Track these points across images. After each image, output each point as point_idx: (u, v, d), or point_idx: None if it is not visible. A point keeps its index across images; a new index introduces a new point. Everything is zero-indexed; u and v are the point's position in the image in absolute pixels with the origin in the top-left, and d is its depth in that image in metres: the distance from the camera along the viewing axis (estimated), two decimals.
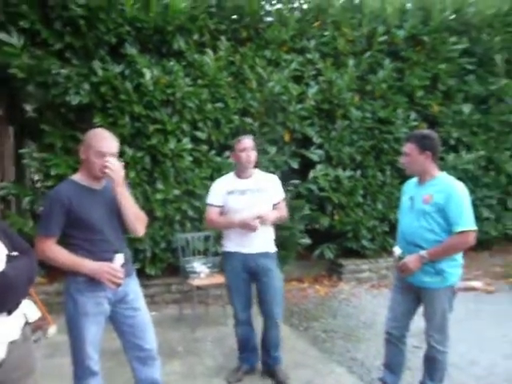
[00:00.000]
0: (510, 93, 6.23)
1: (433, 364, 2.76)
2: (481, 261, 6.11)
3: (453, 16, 6.12)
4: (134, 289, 2.44)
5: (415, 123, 5.84)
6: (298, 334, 4.23)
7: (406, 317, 2.85)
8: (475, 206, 6.44)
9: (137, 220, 2.36)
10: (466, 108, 6.11)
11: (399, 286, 2.86)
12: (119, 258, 2.26)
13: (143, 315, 2.45)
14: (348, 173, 5.65)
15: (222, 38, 5.14)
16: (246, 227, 2.98)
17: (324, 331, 4.29)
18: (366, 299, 5.20)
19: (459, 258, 2.71)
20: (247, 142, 3.11)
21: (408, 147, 2.71)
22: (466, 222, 2.57)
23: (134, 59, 4.65)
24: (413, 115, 5.90)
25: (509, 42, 6.27)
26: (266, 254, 3.11)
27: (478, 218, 6.01)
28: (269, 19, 5.48)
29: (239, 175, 3.17)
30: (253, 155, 3.10)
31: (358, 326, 4.39)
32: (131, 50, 4.68)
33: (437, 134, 2.82)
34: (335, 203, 5.60)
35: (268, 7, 5.50)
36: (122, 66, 4.68)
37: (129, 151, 4.66)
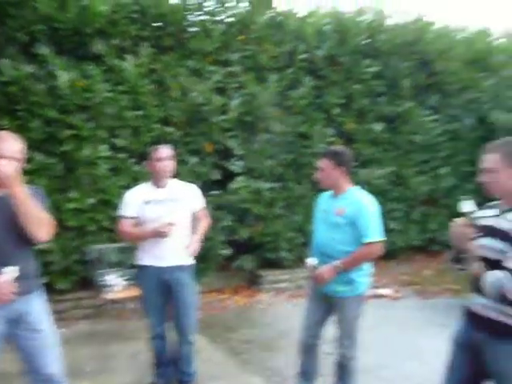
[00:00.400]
0: (414, 115, 6.76)
1: (343, 370, 2.88)
2: (389, 269, 6.51)
3: (367, 41, 6.55)
4: (36, 308, 2.25)
5: (332, 139, 6.12)
6: (216, 345, 4.20)
7: (319, 325, 2.95)
8: (384, 219, 6.88)
9: (39, 224, 2.14)
10: (378, 127, 6.54)
11: (313, 296, 2.97)
12: (9, 272, 2.08)
13: (45, 337, 2.26)
14: (268, 185, 5.76)
15: (145, 44, 5.04)
16: (158, 235, 2.92)
17: (242, 342, 4.30)
18: (283, 309, 5.30)
19: (368, 267, 2.87)
20: (164, 151, 3.07)
21: (323, 162, 2.84)
22: (375, 234, 2.74)
23: (47, 60, 4.40)
24: (330, 131, 6.19)
25: (414, 68, 6.84)
26: (181, 267, 3.06)
27: (387, 230, 6.47)
28: (193, 29, 5.47)
29: (155, 184, 3.11)
30: (170, 165, 3.06)
31: (276, 336, 4.46)
32: (44, 49, 4.42)
33: (350, 150, 2.98)
34: (255, 215, 5.68)
35: (192, 17, 5.50)
36: (34, 67, 4.41)
37: (38, 157, 4.37)
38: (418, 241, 6.98)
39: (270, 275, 5.92)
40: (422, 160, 6.95)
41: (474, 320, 2.08)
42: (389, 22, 6.80)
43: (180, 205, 3.06)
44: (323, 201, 2.99)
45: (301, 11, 6.27)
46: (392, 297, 5.73)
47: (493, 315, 1.98)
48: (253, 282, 5.94)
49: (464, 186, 6.84)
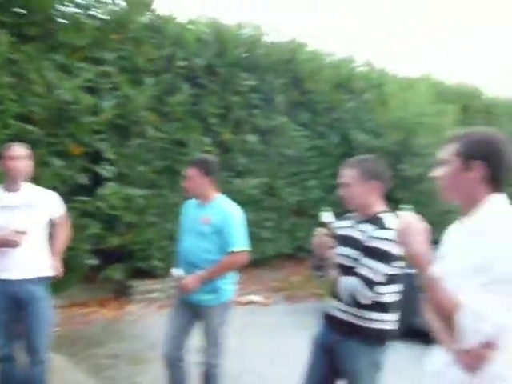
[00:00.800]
0: (287, 130, 7.13)
1: (209, 378, 2.87)
2: (260, 277, 6.74)
3: (245, 55, 6.74)
4: None
5: (208, 148, 6.15)
6: (77, 363, 3.88)
7: (184, 335, 2.91)
8: (257, 228, 7.07)
9: None
10: (253, 138, 6.75)
11: (178, 306, 2.93)
12: None
13: None
14: (141, 191, 5.55)
15: (3, 31, 4.51)
16: (6, 244, 2.61)
17: (108, 357, 4.05)
18: (154, 320, 5.12)
19: (233, 275, 2.91)
20: (18, 149, 2.77)
21: (191, 171, 2.82)
22: (240, 243, 2.79)
23: None
24: (206, 140, 6.21)
25: (288, 85, 7.23)
26: (33, 280, 2.78)
27: (259, 238, 6.70)
28: (62, 21, 5.07)
29: (7, 188, 2.78)
30: (24, 165, 2.76)
31: (145, 348, 4.29)
32: None
33: (219, 159, 3.01)
34: (126, 222, 5.43)
35: (62, 8, 5.10)
36: None
37: None
38: (287, 248, 7.34)
39: (140, 285, 5.70)
40: (293, 172, 7.36)
41: (330, 322, 2.24)
42: (265, 38, 7.10)
43: (35, 211, 2.78)
44: (189, 209, 2.98)
45: (181, 17, 6.23)
46: (262, 303, 5.93)
47: (345, 317, 2.14)
48: (122, 293, 5.65)
49: (329, 198, 7.39)
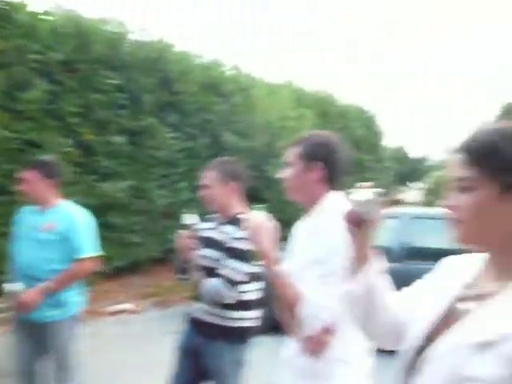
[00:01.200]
0: (156, 131, 6.96)
1: None
2: (131, 284, 6.47)
3: (108, 51, 6.41)
4: None
5: (68, 149, 5.70)
6: None
7: (33, 361, 2.58)
8: (125, 232, 6.78)
9: None
10: (119, 139, 6.46)
11: (19, 328, 2.60)
12: None
13: None
14: None
15: None
16: None
17: None
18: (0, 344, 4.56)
19: (81, 285, 2.71)
20: None
21: (29, 174, 2.57)
22: (88, 249, 2.60)
23: None
24: (66, 141, 5.75)
25: (157, 85, 7.07)
26: None
27: (127, 243, 6.42)
28: None
29: None
30: None
31: None
32: None
33: (58, 161, 2.79)
34: None
35: None
36: None
37: None
38: (157, 252, 7.16)
39: None
40: (163, 174, 7.22)
41: (194, 325, 2.23)
42: (130, 36, 6.85)
43: None
44: (26, 216, 2.68)
45: (33, 6, 5.69)
46: (133, 311, 5.71)
47: (209, 319, 2.16)
48: None
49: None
